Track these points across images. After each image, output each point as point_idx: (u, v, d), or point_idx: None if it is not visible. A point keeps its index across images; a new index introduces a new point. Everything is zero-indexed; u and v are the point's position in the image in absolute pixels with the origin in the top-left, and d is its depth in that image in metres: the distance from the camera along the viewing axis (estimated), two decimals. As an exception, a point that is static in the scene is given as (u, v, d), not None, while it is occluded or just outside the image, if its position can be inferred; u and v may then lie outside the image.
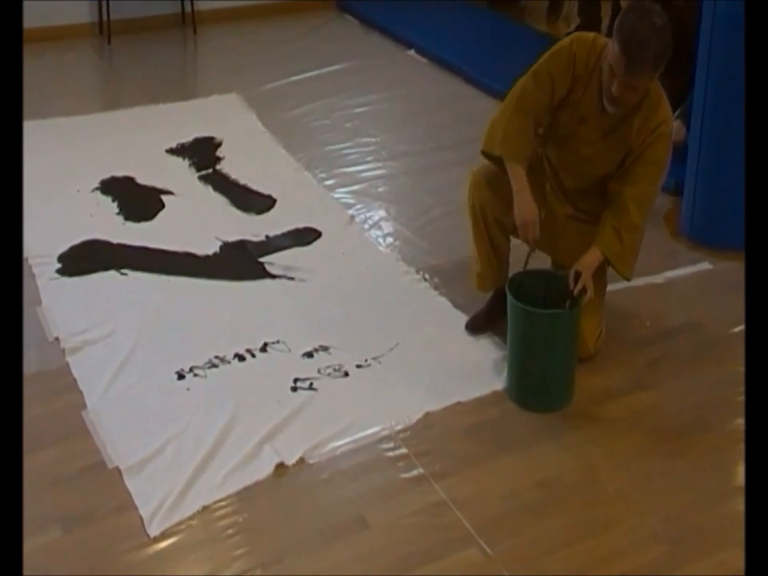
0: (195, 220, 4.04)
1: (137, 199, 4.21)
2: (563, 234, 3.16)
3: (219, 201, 4.23)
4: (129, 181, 4.37)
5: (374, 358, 3.15)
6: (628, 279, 3.11)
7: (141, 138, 4.83)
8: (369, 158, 4.68)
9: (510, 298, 2.88)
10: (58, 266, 3.68)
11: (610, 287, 3.28)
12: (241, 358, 3.15)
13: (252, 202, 4.20)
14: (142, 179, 4.38)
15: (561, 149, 3.10)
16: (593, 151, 3.02)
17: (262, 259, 3.74)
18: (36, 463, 2.64)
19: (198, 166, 4.53)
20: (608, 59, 2.80)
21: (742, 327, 3.30)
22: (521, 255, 3.04)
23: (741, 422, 2.87)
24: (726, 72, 3.59)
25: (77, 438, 2.81)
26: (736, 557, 2.39)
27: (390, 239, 3.93)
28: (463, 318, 3.32)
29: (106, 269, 3.66)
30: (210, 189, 4.34)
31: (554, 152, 3.14)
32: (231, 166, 4.54)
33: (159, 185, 4.32)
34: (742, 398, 2.96)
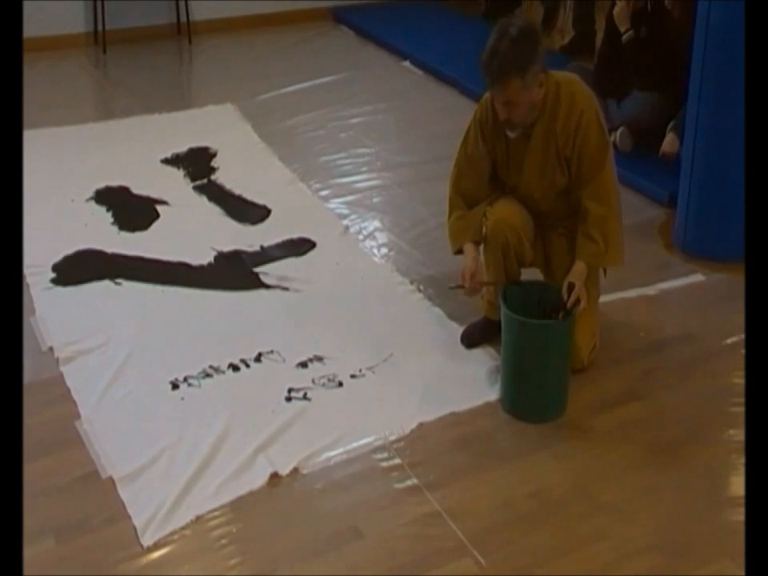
0: (190, 230, 4.05)
1: (131, 209, 4.22)
2: (557, 252, 3.16)
3: (214, 211, 4.24)
4: (123, 191, 4.38)
5: (368, 368, 3.15)
6: (621, 264, 3.08)
7: (136, 148, 4.84)
8: (363, 169, 4.69)
9: (504, 308, 2.89)
10: (52, 275, 3.69)
11: (603, 299, 3.29)
12: (235, 368, 3.15)
13: (247, 212, 4.21)
14: (137, 189, 4.39)
15: (518, 198, 3.12)
16: (541, 188, 3.06)
17: (256, 269, 3.74)
18: (29, 473, 2.62)
19: (193, 176, 4.54)
20: None
21: (735, 338, 3.32)
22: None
23: (734, 432, 2.88)
24: (719, 84, 3.61)
25: (70, 448, 2.81)
26: (729, 568, 2.40)
27: (384, 250, 3.93)
28: (457, 329, 3.33)
29: (101, 279, 3.66)
30: (204, 199, 4.34)
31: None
32: (226, 176, 4.55)
33: (154, 195, 4.33)
34: (735, 410, 2.97)
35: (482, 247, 3.13)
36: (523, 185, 3.07)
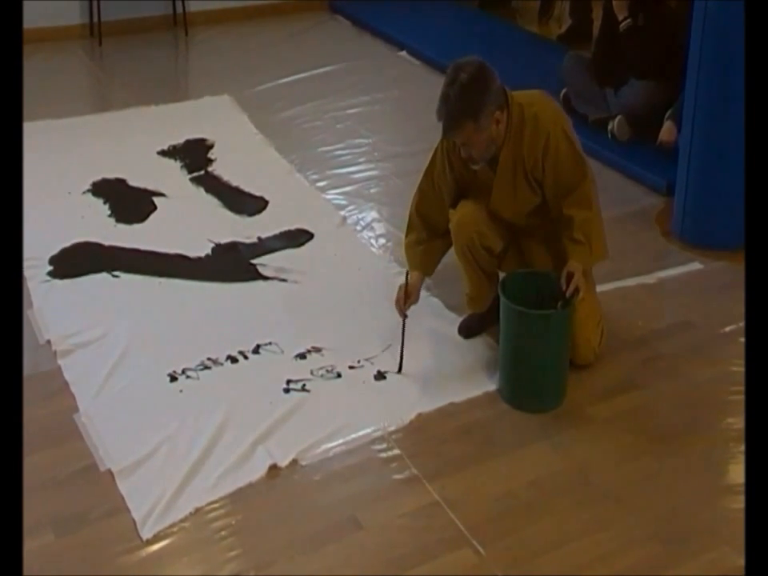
0: (187, 222, 4.03)
1: (128, 201, 4.21)
2: (537, 259, 3.16)
3: (211, 203, 4.23)
4: (120, 183, 4.37)
5: (366, 359, 3.15)
6: (606, 258, 3.08)
7: (132, 140, 4.83)
8: (361, 160, 4.68)
9: (502, 298, 2.88)
10: (50, 268, 3.68)
11: (601, 288, 3.29)
12: (233, 359, 3.15)
13: (244, 203, 4.20)
14: (134, 181, 4.37)
15: (488, 215, 3.11)
16: (514, 209, 3.07)
17: (254, 261, 3.74)
18: (28, 466, 2.59)
19: (190, 168, 4.53)
20: None
21: (733, 326, 3.32)
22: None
23: (732, 421, 2.88)
24: (717, 73, 3.60)
25: (69, 441, 2.80)
26: (728, 555, 2.41)
27: (382, 240, 3.93)
28: (456, 319, 3.33)
29: (98, 271, 3.66)
30: (201, 191, 4.33)
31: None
32: (223, 167, 4.53)
33: (151, 187, 4.32)
34: (733, 398, 2.97)
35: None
36: (493, 206, 3.08)
